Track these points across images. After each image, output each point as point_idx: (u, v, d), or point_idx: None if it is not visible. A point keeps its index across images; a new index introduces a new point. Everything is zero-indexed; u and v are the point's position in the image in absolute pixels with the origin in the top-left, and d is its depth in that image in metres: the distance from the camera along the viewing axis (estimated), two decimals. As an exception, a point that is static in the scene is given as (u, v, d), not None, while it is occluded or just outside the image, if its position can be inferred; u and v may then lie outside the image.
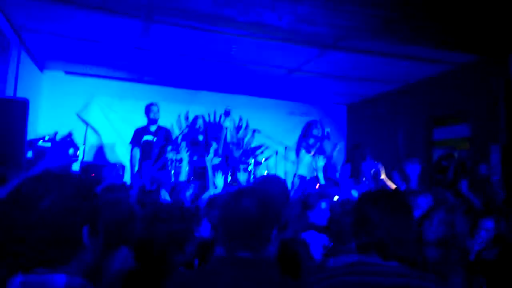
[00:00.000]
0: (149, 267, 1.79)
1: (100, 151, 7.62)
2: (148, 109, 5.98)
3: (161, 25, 4.95)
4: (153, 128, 5.92)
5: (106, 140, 7.65)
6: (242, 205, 1.49)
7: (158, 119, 5.96)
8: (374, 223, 1.57)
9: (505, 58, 5.21)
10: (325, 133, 6.00)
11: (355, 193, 4.97)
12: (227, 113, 6.08)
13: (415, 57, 5.78)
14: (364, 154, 6.21)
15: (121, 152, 7.38)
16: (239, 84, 7.83)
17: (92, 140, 7.56)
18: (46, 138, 4.92)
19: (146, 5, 4.20)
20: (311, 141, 5.85)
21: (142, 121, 7.71)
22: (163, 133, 5.91)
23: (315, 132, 5.87)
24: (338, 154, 4.98)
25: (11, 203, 1.07)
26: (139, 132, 5.95)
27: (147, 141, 5.85)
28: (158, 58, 6.39)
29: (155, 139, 5.83)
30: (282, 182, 2.47)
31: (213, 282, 1.41)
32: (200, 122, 6.33)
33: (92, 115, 7.61)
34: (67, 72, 7.49)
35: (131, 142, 5.94)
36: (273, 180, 2.44)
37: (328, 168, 6.05)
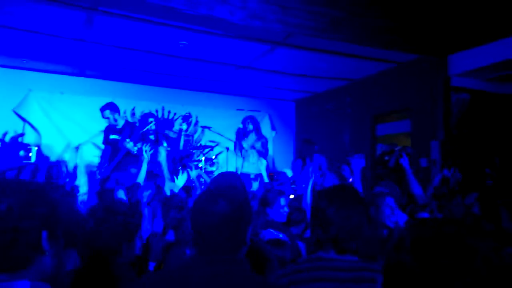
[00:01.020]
0: (94, 266, 1.77)
1: (41, 149, 7.20)
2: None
3: (106, 16, 4.74)
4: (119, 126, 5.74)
5: (46, 137, 7.22)
6: (217, 207, 1.41)
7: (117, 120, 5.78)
8: (329, 219, 1.59)
9: (445, 58, 5.53)
10: (258, 129, 6.10)
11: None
12: (186, 118, 6.01)
13: (360, 56, 5.97)
14: (314, 149, 6.36)
15: (63, 150, 7.03)
16: (188, 79, 7.69)
17: (31, 138, 7.10)
18: None
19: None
20: (250, 137, 5.96)
21: (84, 117, 7.40)
22: (128, 130, 5.72)
23: (250, 127, 6.00)
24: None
25: None
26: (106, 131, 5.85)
27: (114, 139, 5.68)
28: (102, 51, 6.12)
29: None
30: (240, 179, 2.45)
31: (183, 281, 1.36)
32: (151, 120, 6.19)
33: (30, 112, 7.15)
34: (1, 66, 6.97)
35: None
36: (231, 177, 2.41)
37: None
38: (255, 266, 1.84)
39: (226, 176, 2.56)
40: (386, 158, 7.07)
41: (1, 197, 1.07)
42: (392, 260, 0.88)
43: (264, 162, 5.93)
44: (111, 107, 5.78)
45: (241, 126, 6.12)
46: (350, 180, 4.74)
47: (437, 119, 5.61)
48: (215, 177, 2.66)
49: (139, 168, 4.37)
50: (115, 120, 5.73)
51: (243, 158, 6.12)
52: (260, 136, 6.16)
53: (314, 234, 1.67)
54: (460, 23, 4.77)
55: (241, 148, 6.09)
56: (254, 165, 5.94)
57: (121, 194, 3.60)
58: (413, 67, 6.13)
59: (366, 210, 1.71)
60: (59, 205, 1.20)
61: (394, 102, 6.59)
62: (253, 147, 6.06)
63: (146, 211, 3.29)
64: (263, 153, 6.08)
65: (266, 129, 8.94)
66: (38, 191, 1.14)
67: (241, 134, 6.17)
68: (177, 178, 4.34)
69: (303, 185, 4.95)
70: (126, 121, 5.90)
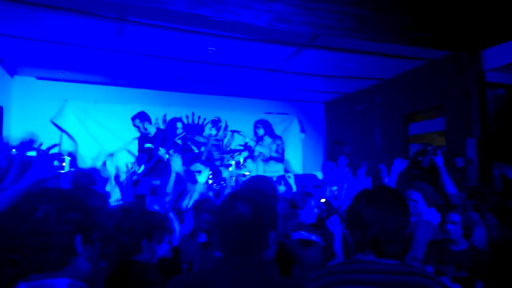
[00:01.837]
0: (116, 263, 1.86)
1: (78, 157, 7.46)
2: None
3: (135, 26, 4.87)
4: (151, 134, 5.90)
5: (82, 145, 7.48)
6: (237, 210, 1.42)
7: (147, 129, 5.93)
8: (367, 221, 1.57)
9: (478, 53, 5.35)
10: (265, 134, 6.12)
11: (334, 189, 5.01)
12: (215, 122, 6.10)
13: (389, 54, 5.86)
14: (344, 150, 6.29)
15: (98, 157, 7.24)
16: (216, 84, 7.78)
17: (68, 146, 7.37)
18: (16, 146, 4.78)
19: (120, 6, 4.12)
20: (265, 140, 5.99)
21: (117, 125, 7.62)
22: (160, 137, 5.86)
23: (261, 132, 6.03)
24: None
25: (8, 216, 1.17)
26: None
27: (148, 148, 5.85)
28: (132, 60, 6.29)
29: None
30: (271, 183, 2.45)
31: (211, 284, 1.38)
32: (179, 125, 6.30)
33: (67, 121, 7.42)
34: (38, 78, 7.29)
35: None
36: (262, 181, 2.41)
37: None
38: (283, 268, 1.84)
39: (257, 180, 2.57)
40: (420, 158, 6.89)
41: (39, 204, 1.14)
42: None
43: (280, 166, 5.95)
44: (140, 116, 5.92)
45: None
46: (386, 180, 4.66)
47: (472, 116, 5.42)
48: (245, 181, 2.67)
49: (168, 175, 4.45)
50: (145, 129, 5.87)
51: (263, 162, 6.16)
52: (274, 138, 6.16)
53: (352, 236, 1.65)
54: (492, 17, 4.62)
55: (259, 153, 6.15)
56: (274, 169, 5.98)
57: (152, 201, 3.68)
58: (445, 64, 5.96)
59: (407, 212, 1.65)
60: (93, 210, 1.27)
61: (427, 100, 6.42)
62: (270, 150, 6.10)
63: (171, 215, 3.36)
64: (278, 158, 6.10)
65: (295, 131, 8.92)
66: (73, 198, 1.22)
67: (256, 140, 6.22)
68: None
69: (335, 188, 4.90)
70: (158, 129, 6.03)
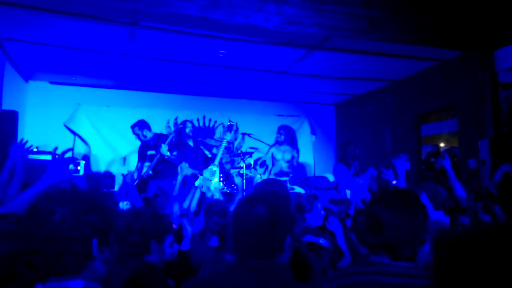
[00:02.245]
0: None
1: (91, 161, 7.54)
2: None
3: (147, 30, 4.93)
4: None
5: (95, 149, 7.57)
6: (255, 213, 1.42)
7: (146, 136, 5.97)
8: (383, 224, 1.56)
9: (490, 53, 5.29)
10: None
11: (348, 193, 4.99)
12: (230, 127, 6.13)
13: (400, 55, 5.83)
14: (356, 152, 6.26)
15: (111, 161, 7.32)
16: (227, 87, 7.82)
17: (81, 150, 7.47)
18: (34, 149, 4.86)
19: (132, 10, 4.17)
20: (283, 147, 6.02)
21: (130, 128, 7.68)
22: (162, 139, 5.91)
23: (282, 138, 6.07)
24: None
25: (28, 218, 1.18)
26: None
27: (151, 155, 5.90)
28: (144, 64, 6.35)
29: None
30: (284, 185, 2.46)
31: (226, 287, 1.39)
32: (188, 125, 6.33)
33: (79, 125, 7.52)
34: (51, 82, 7.39)
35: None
36: (275, 184, 2.42)
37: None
38: (297, 273, 1.85)
39: (270, 182, 2.58)
40: (432, 159, 6.84)
41: (55, 207, 1.15)
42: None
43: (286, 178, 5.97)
44: (139, 124, 5.99)
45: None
46: (394, 182, 4.63)
47: (486, 116, 5.36)
48: (259, 183, 2.68)
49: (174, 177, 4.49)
50: (144, 136, 5.92)
51: (272, 165, 6.18)
52: (293, 148, 6.18)
53: (368, 239, 1.65)
54: (505, 16, 4.57)
55: (272, 156, 6.17)
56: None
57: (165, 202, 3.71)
58: (457, 64, 5.91)
59: (425, 215, 1.64)
60: (110, 212, 1.27)
61: (439, 101, 6.37)
62: (282, 158, 6.12)
63: (185, 221, 3.39)
64: (287, 172, 6.11)
65: (305, 133, 8.90)
66: (90, 199, 1.22)
67: (275, 142, 6.23)
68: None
69: (349, 191, 4.88)
70: (155, 134, 6.06)
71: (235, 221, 1.48)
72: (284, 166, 6.24)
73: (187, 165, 4.26)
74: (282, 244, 1.44)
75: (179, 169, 4.18)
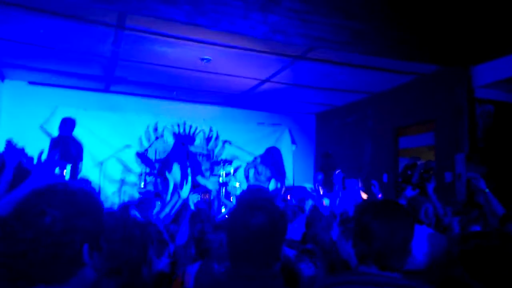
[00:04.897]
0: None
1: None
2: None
3: (132, 33, 4.86)
4: None
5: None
6: (255, 222, 1.41)
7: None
8: (372, 234, 1.56)
9: (467, 68, 5.45)
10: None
11: (327, 202, 5.01)
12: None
13: (381, 68, 5.94)
14: (335, 163, 6.31)
15: (89, 167, 7.15)
16: (209, 94, 7.79)
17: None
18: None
19: (118, 13, 4.12)
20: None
21: (109, 133, 7.56)
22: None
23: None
24: None
25: (15, 218, 1.06)
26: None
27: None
28: (127, 67, 6.26)
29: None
30: (268, 193, 2.45)
31: None
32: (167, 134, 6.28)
33: (56, 128, 7.32)
34: (30, 82, 7.20)
35: None
36: (259, 192, 2.41)
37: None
38: (287, 281, 1.83)
39: (255, 190, 2.56)
40: (409, 172, 6.95)
41: (47, 208, 1.05)
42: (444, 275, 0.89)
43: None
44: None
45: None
46: (380, 196, 4.69)
47: (462, 131, 5.51)
48: (245, 191, 2.67)
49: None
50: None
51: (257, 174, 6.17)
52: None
53: (357, 248, 1.65)
54: (482, 34, 4.73)
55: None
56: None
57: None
58: (435, 79, 6.05)
59: (413, 226, 1.65)
60: (102, 215, 1.19)
61: (417, 114, 6.50)
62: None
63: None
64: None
65: (286, 143, 8.94)
66: (82, 202, 1.13)
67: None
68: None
69: (326, 200, 4.90)
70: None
71: (233, 230, 1.46)
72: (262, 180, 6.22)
73: (178, 170, 4.17)
74: (278, 253, 1.44)
75: (169, 176, 4.09)
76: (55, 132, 7.25)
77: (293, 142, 9.17)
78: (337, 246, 2.87)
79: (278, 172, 5.98)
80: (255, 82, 6.89)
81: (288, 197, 5.52)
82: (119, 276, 1.75)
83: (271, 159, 6.00)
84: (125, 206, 4.24)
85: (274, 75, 6.43)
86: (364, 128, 7.72)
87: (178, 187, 3.82)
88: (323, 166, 6.61)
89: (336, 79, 6.58)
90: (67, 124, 6.02)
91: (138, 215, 3.69)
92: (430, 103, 6.16)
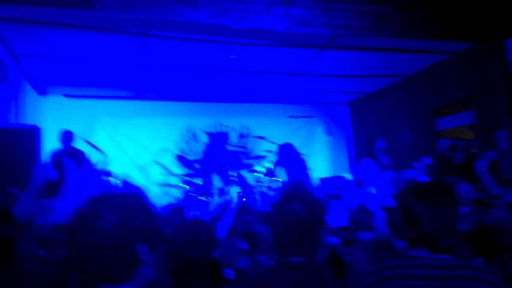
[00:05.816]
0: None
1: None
2: None
3: (158, 39, 5.00)
4: None
5: (113, 160, 7.66)
6: (293, 210, 1.49)
7: None
8: (419, 217, 1.57)
9: (501, 43, 5.22)
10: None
11: (373, 190, 4.92)
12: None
13: (411, 50, 5.79)
14: (381, 147, 6.12)
15: (132, 172, 7.39)
16: (240, 91, 7.87)
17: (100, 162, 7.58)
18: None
19: (142, 21, 4.25)
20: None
21: (148, 138, 7.80)
22: None
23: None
24: None
25: (77, 225, 1.16)
26: None
27: None
28: (157, 73, 6.44)
29: None
30: (308, 186, 2.52)
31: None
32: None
33: (98, 138, 7.63)
34: (66, 95, 7.53)
35: None
36: (302, 184, 2.47)
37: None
38: (334, 270, 1.88)
39: (297, 183, 2.62)
40: (448, 154, 6.74)
41: (105, 214, 1.14)
42: None
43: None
44: None
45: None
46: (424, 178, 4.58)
47: (501, 107, 5.29)
48: (287, 185, 2.72)
49: None
50: None
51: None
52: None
53: (404, 233, 1.67)
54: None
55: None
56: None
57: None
58: (468, 56, 5.83)
59: (457, 205, 1.65)
60: (153, 216, 1.27)
61: (453, 94, 6.29)
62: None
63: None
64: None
65: (319, 134, 8.90)
66: (137, 205, 1.22)
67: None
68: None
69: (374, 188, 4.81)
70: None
71: (275, 220, 1.54)
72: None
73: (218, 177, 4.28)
74: (319, 240, 1.51)
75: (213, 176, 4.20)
76: (96, 141, 7.58)
77: (329, 133, 9.09)
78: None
79: (296, 166, 5.97)
80: (284, 76, 6.89)
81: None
82: (182, 276, 1.85)
83: (285, 156, 6.01)
84: (178, 208, 4.37)
85: (301, 66, 6.41)
86: (399, 112, 7.55)
87: (223, 185, 3.90)
88: (370, 152, 6.47)
89: (366, 65, 6.48)
90: (69, 137, 6.20)
91: (199, 214, 3.80)
92: (466, 81, 5.95)
